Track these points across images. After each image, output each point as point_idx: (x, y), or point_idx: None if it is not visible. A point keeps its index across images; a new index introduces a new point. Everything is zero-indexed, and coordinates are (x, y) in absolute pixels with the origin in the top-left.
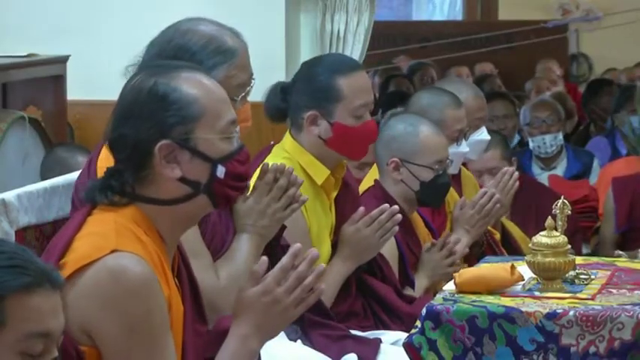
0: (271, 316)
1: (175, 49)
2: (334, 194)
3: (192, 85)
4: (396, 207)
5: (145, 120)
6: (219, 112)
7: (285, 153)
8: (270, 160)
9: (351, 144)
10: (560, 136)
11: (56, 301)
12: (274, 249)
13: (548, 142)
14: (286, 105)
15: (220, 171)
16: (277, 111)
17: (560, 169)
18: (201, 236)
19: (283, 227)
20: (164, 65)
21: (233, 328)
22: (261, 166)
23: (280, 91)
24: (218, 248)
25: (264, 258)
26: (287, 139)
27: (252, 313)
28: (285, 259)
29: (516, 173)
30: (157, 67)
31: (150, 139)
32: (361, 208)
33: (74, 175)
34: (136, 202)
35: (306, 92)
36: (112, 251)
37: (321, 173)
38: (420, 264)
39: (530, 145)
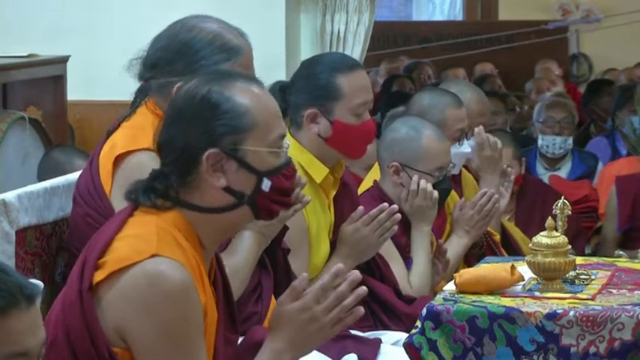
0: (307, 334)
1: (180, 44)
2: (333, 193)
3: (246, 95)
4: (395, 206)
5: (196, 126)
6: (271, 126)
7: None
8: None
9: (351, 143)
10: (570, 140)
11: (33, 317)
12: (275, 251)
13: (558, 143)
14: (285, 104)
15: (266, 184)
16: None
17: (564, 171)
18: None
19: (285, 229)
20: (220, 73)
21: (268, 341)
22: None
23: (279, 90)
24: (222, 246)
25: (305, 275)
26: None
27: (288, 328)
28: (326, 278)
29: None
30: (213, 75)
31: (199, 145)
32: (360, 208)
33: (75, 176)
34: (178, 207)
35: (305, 90)
36: (152, 256)
37: (320, 171)
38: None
39: (539, 142)
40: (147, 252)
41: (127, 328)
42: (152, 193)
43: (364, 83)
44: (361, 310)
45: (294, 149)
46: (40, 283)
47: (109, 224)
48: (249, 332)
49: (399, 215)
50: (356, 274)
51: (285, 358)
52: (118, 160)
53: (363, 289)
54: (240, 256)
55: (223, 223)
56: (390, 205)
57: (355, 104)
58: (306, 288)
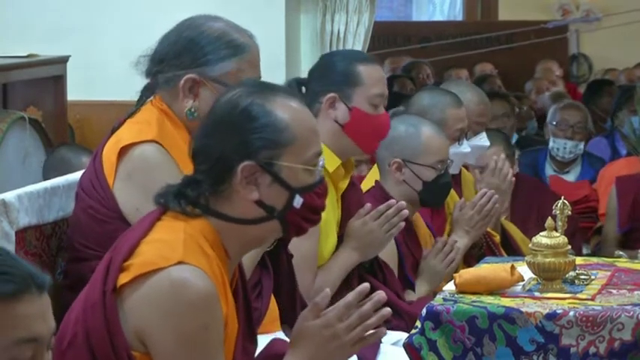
0: (327, 351)
1: (187, 40)
2: (342, 188)
3: (287, 111)
4: (403, 203)
5: (234, 137)
6: (308, 143)
7: None
8: None
9: (366, 133)
10: (582, 145)
11: (43, 304)
12: (279, 254)
13: (569, 147)
14: (302, 97)
15: (298, 201)
16: None
17: (573, 174)
18: None
19: None
20: (263, 85)
21: (288, 356)
22: None
23: (296, 83)
24: None
25: (327, 291)
26: None
27: (309, 344)
28: (350, 296)
29: (503, 155)
30: (256, 87)
31: (235, 156)
32: (367, 204)
33: (75, 176)
34: (207, 215)
35: (324, 78)
36: (178, 262)
37: (332, 161)
38: (420, 271)
39: (550, 144)
40: (173, 258)
41: (148, 332)
42: (182, 199)
43: (382, 75)
44: (384, 330)
45: None
46: (49, 278)
47: (137, 226)
48: (268, 344)
49: (406, 212)
50: (381, 294)
51: None
52: (122, 152)
53: (387, 310)
54: (245, 256)
55: (250, 235)
56: (396, 202)
57: (373, 94)
58: (327, 305)
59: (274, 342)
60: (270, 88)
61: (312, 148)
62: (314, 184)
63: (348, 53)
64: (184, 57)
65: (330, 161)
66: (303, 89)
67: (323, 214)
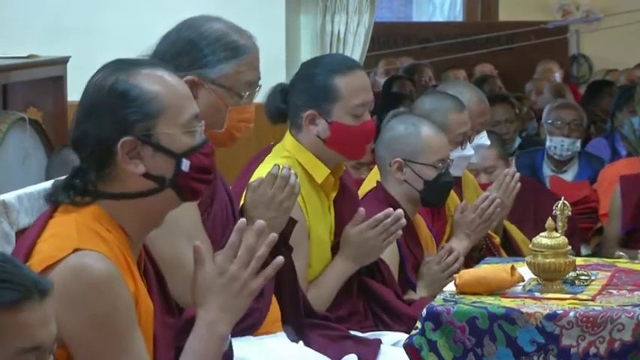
0: (232, 295)
1: (187, 41)
2: (333, 195)
3: (153, 81)
4: (400, 211)
5: (107, 117)
6: (181, 107)
7: (286, 152)
8: (271, 160)
9: (350, 144)
10: (579, 142)
11: (46, 310)
12: (279, 248)
13: (566, 145)
14: (286, 106)
15: (185, 164)
16: (277, 112)
17: (570, 174)
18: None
19: (294, 223)
20: (125, 62)
21: (199, 315)
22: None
23: (280, 92)
24: (218, 239)
25: (197, 242)
26: (287, 139)
27: (213, 296)
28: (233, 236)
29: (517, 174)
30: (118, 64)
31: (112, 136)
32: (361, 209)
33: None
34: (98, 200)
35: (304, 92)
36: (75, 250)
37: (321, 172)
38: (419, 276)
39: (547, 143)
40: (69, 248)
41: (60, 325)
42: (71, 190)
43: (363, 83)
44: (280, 259)
45: (295, 150)
46: (51, 284)
47: (31, 229)
48: (183, 312)
49: (404, 220)
50: (260, 222)
51: (220, 326)
52: None
53: (274, 235)
54: None
55: (147, 209)
56: (394, 207)
57: (353, 105)
58: (206, 256)
59: (188, 309)
60: (132, 63)
61: (186, 112)
62: (198, 146)
63: (328, 64)
64: (183, 58)
65: (318, 172)
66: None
67: (314, 225)
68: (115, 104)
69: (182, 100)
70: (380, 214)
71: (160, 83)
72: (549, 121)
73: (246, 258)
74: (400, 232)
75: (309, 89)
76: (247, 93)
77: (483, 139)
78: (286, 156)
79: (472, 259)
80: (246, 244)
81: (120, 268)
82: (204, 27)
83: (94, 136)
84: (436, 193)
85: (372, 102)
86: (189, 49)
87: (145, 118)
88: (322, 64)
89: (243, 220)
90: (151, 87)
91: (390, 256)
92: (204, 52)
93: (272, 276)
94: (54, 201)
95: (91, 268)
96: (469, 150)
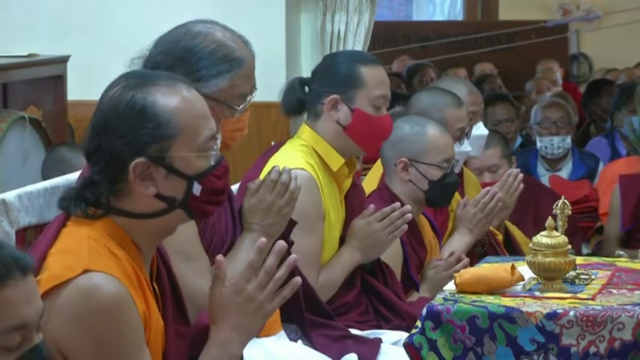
0: (247, 315)
1: (182, 51)
2: (345, 188)
3: (170, 101)
4: (407, 206)
5: (121, 135)
6: (197, 129)
7: (302, 141)
8: (286, 151)
9: (368, 134)
10: (569, 139)
11: (28, 287)
12: None
13: (556, 143)
14: (303, 97)
15: (197, 188)
16: (296, 103)
17: (565, 172)
18: (200, 236)
19: (292, 224)
20: (142, 76)
21: (212, 334)
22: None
23: (299, 83)
24: (217, 249)
25: (220, 257)
26: (304, 129)
27: (228, 315)
28: (253, 255)
29: (521, 175)
30: (135, 79)
31: (125, 155)
32: (371, 206)
33: (75, 175)
34: (110, 213)
35: (327, 79)
36: (84, 271)
37: (336, 160)
38: (424, 276)
39: (538, 144)
40: (78, 268)
41: (66, 345)
42: (83, 202)
43: (384, 78)
44: (298, 280)
45: (311, 139)
46: (33, 260)
47: (43, 237)
48: (196, 319)
49: (410, 215)
50: (281, 244)
51: (233, 347)
52: None
53: (293, 256)
54: (242, 262)
55: (158, 227)
56: (401, 206)
57: (376, 95)
58: (226, 271)
59: (202, 315)
60: (150, 79)
61: (202, 134)
62: (210, 169)
63: (352, 54)
64: (178, 69)
65: (333, 160)
66: (306, 89)
67: (330, 209)
68: (130, 123)
69: (199, 120)
70: (387, 208)
71: (177, 104)
72: (537, 122)
73: (265, 279)
74: (406, 226)
75: (333, 75)
76: (242, 105)
77: (480, 129)
78: (303, 144)
79: (475, 254)
80: (266, 265)
81: (130, 288)
82: (199, 38)
83: (108, 152)
84: (441, 194)
85: (389, 99)
86: (184, 61)
87: (159, 140)
88: (345, 54)
89: (263, 239)
90: (167, 106)
91: (394, 255)
92: (199, 65)
93: (289, 298)
94: (66, 209)
95: (99, 292)
96: (466, 146)
